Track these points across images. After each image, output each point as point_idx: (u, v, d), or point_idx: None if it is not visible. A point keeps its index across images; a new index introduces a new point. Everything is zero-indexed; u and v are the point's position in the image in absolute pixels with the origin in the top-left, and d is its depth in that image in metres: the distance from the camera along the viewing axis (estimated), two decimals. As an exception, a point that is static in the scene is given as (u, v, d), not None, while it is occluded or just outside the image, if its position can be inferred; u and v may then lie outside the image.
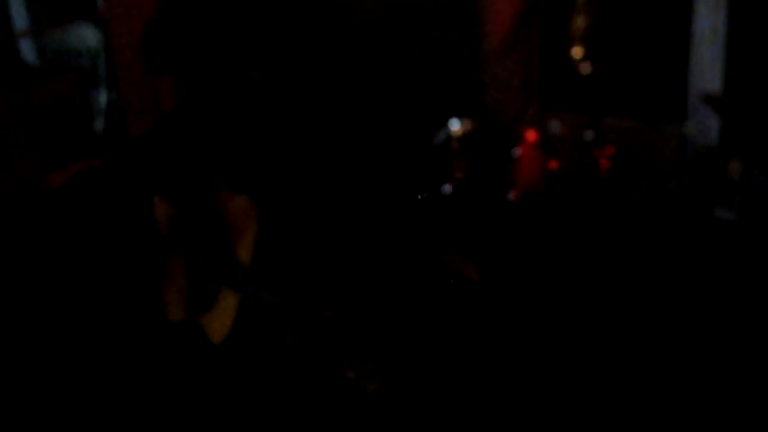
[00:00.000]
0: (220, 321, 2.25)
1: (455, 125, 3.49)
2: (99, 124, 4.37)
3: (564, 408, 2.44)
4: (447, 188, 3.39)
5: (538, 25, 4.05)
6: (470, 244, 3.12)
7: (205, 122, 2.43)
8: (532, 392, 2.49)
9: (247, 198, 2.23)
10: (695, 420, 2.38)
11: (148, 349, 2.43)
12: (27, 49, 5.08)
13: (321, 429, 2.23)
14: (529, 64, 4.04)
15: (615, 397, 2.47)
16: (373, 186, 2.57)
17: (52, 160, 3.85)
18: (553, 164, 3.49)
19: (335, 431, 2.23)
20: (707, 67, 3.56)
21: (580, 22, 3.86)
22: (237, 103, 2.39)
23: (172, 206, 2.36)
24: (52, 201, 3.19)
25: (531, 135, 3.48)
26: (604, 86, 3.84)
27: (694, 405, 2.42)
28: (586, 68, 3.84)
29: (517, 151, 3.48)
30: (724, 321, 2.78)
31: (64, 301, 2.68)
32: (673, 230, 3.30)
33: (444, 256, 2.79)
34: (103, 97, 4.41)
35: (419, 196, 3.18)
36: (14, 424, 2.45)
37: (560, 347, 2.68)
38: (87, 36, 4.58)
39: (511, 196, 3.42)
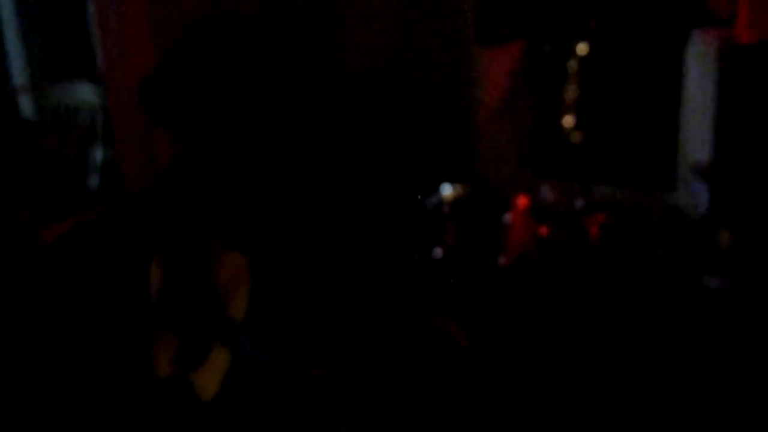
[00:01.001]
0: (210, 378, 2.25)
1: (447, 190, 3.52)
2: (94, 180, 4.40)
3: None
4: (437, 252, 3.42)
5: (530, 93, 4.11)
6: (460, 307, 3.13)
7: (200, 178, 2.45)
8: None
9: (241, 256, 2.25)
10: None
11: (136, 405, 2.42)
12: (25, 105, 5.14)
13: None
14: (521, 131, 4.10)
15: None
16: (364, 247, 2.59)
17: (47, 214, 3.87)
18: (544, 231, 3.52)
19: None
20: (697, 137, 3.61)
21: (571, 91, 3.93)
22: (230, 160, 2.41)
23: (165, 269, 2.37)
24: (44, 256, 3.19)
25: (522, 201, 3.51)
26: (594, 155, 3.89)
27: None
28: (576, 137, 3.90)
29: (508, 217, 3.51)
30: (711, 387, 2.79)
31: (52, 355, 2.67)
32: (661, 298, 3.32)
33: (433, 318, 2.80)
34: (99, 154, 4.46)
35: (410, 259, 3.20)
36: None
37: (543, 411, 2.68)
38: (85, 93, 4.64)
39: (502, 261, 3.44)
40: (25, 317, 2.81)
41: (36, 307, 2.77)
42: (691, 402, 2.72)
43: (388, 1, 4.21)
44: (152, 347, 2.39)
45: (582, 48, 3.89)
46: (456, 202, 3.51)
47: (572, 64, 3.94)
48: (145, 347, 2.40)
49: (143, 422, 2.37)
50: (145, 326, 2.41)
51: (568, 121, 3.92)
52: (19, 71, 5.18)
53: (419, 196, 3.48)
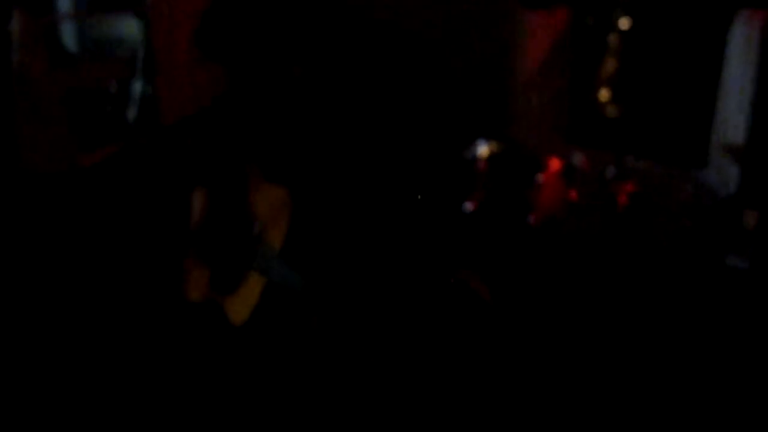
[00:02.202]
0: (243, 303, 2.30)
1: (482, 146, 3.55)
2: (132, 113, 4.44)
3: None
4: (468, 206, 3.44)
5: (569, 61, 4.12)
6: (486, 262, 3.17)
7: (246, 114, 2.50)
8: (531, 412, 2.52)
9: (282, 187, 2.30)
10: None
11: (168, 327, 2.48)
12: (69, 34, 5.17)
13: (341, 413, 2.27)
14: (558, 97, 4.11)
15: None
16: (400, 189, 2.63)
17: (85, 143, 3.92)
18: (574, 194, 3.54)
19: (356, 417, 2.27)
20: (732, 118, 3.61)
21: (610, 64, 3.94)
22: (277, 97, 2.46)
23: (207, 197, 2.43)
24: (85, 178, 3.26)
25: (554, 163, 3.53)
26: (629, 127, 3.91)
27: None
28: (612, 110, 3.91)
29: (540, 178, 3.53)
30: (730, 367, 2.80)
31: (92, 273, 2.74)
32: (684, 273, 3.34)
33: (459, 271, 2.84)
34: (138, 87, 4.49)
35: (442, 208, 3.24)
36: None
37: (560, 376, 2.71)
38: (128, 25, 4.66)
39: (531, 220, 3.47)
40: (68, 237, 2.88)
41: (78, 228, 2.84)
42: (709, 379, 2.74)
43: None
44: (187, 273, 2.45)
45: (624, 22, 3.90)
46: (490, 158, 3.53)
47: (613, 38, 3.94)
48: (179, 271, 2.47)
49: (174, 344, 2.44)
50: (182, 251, 2.47)
51: (604, 94, 3.93)
52: (64, 1, 5.20)
53: (455, 148, 3.51)
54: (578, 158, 3.66)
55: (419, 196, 2.72)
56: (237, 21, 2.37)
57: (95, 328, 2.61)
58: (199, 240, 2.45)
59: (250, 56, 2.38)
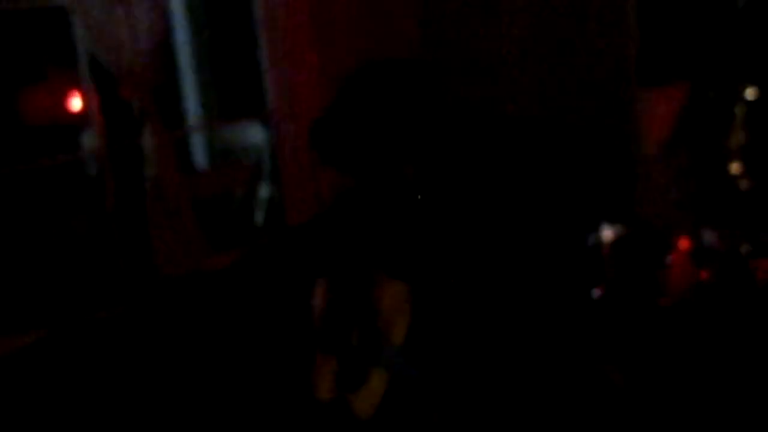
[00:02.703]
0: (369, 399, 2.32)
1: (607, 230, 3.49)
2: (260, 216, 4.59)
3: None
4: (597, 292, 3.38)
5: (693, 136, 4.05)
6: (619, 348, 3.09)
7: (364, 211, 2.55)
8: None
9: (404, 285, 2.33)
10: None
11: (298, 425, 2.51)
12: (198, 143, 5.43)
13: None
14: (684, 174, 4.03)
15: None
16: (522, 281, 2.62)
17: (216, 246, 4.06)
18: (706, 274, 3.43)
19: None
20: None
21: (738, 137, 3.85)
22: (393, 194, 2.51)
23: (330, 293, 2.47)
24: (216, 280, 3.36)
25: (684, 243, 3.44)
26: (762, 200, 3.79)
27: None
28: (744, 183, 3.81)
29: (669, 259, 3.44)
30: None
31: (222, 374, 2.80)
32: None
33: (592, 359, 2.79)
34: (265, 191, 4.65)
35: (569, 297, 3.19)
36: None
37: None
38: (254, 132, 4.86)
39: (662, 302, 3.38)
40: (201, 335, 2.97)
41: (210, 327, 2.93)
42: None
43: (548, 41, 4.23)
44: (315, 369, 2.48)
45: (751, 92, 3.82)
46: (616, 241, 3.47)
47: (739, 109, 3.86)
48: (308, 370, 2.50)
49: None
50: (309, 349, 2.51)
51: (735, 166, 3.84)
52: (192, 111, 5.47)
53: (580, 234, 3.47)
54: (709, 236, 3.56)
55: (544, 284, 2.70)
56: (349, 124, 2.44)
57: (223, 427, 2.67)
58: (325, 336, 2.48)
59: (362, 159, 2.44)
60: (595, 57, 4.10)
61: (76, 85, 4.36)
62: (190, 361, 2.96)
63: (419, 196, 2.47)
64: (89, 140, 4.40)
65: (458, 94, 3.99)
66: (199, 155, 5.47)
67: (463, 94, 4.28)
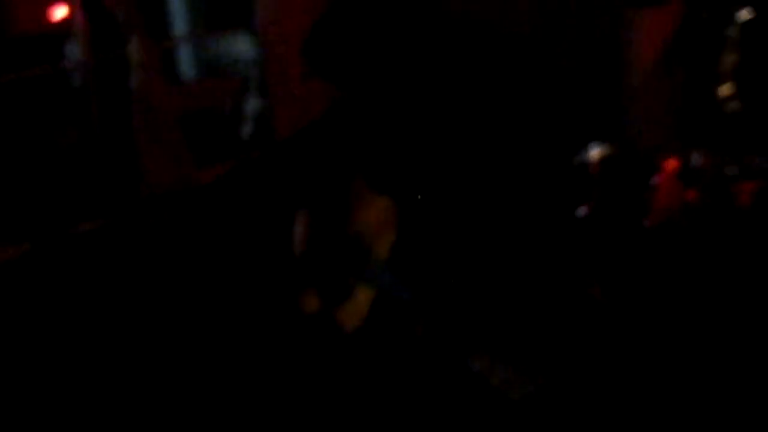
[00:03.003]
0: (354, 313, 2.34)
1: (595, 149, 3.48)
2: (248, 129, 4.55)
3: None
4: (583, 210, 3.39)
5: (685, 59, 4.02)
6: (601, 266, 3.12)
7: (352, 125, 2.53)
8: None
9: (389, 199, 2.33)
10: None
11: (282, 337, 2.53)
12: (184, 54, 5.35)
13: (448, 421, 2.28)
14: (674, 96, 4.02)
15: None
16: (510, 198, 2.62)
17: (203, 160, 4.04)
18: (692, 195, 3.44)
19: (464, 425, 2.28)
20: None
21: (729, 59, 3.83)
22: (383, 107, 2.49)
23: (314, 212, 2.48)
24: (203, 196, 3.35)
25: (671, 164, 3.44)
26: (751, 123, 3.78)
27: None
28: (733, 106, 3.80)
29: (656, 180, 3.45)
30: None
31: (208, 286, 2.81)
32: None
33: (575, 275, 2.81)
34: (253, 104, 4.59)
35: (555, 214, 3.20)
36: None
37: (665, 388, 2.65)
38: (242, 44, 4.78)
39: (648, 223, 3.39)
40: (189, 251, 2.97)
41: (198, 243, 2.93)
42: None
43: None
44: (300, 284, 2.50)
45: (744, 14, 3.78)
46: (604, 161, 3.47)
47: (732, 30, 3.82)
48: (294, 284, 2.51)
49: (290, 354, 2.49)
50: (296, 264, 2.52)
51: (725, 88, 3.82)
52: (179, 22, 5.38)
53: (568, 152, 3.46)
54: (697, 158, 3.56)
55: (531, 202, 2.71)
56: (343, 33, 2.42)
57: (208, 341, 2.69)
58: (311, 250, 2.49)
59: (356, 69, 2.42)
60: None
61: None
62: (175, 277, 2.97)
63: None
64: (74, 51, 4.33)
65: (453, 11, 3.93)
66: (186, 67, 5.39)
67: (458, 11, 4.23)
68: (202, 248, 2.97)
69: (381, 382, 2.34)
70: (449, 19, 2.67)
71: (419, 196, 2.38)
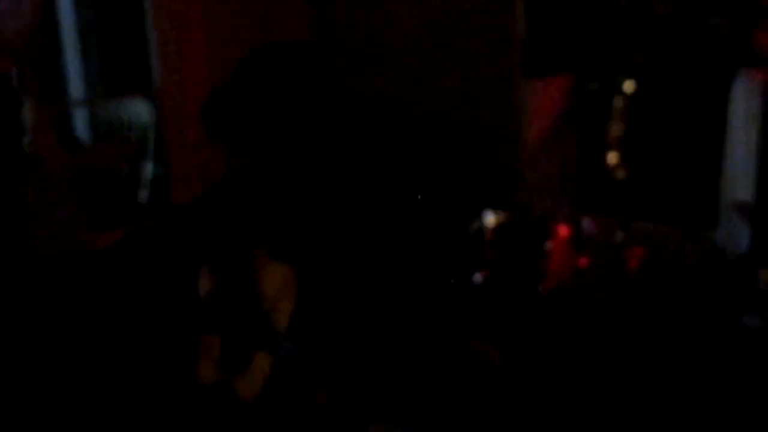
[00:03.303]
0: (252, 382, 2.32)
1: (489, 216, 3.56)
2: (144, 194, 4.50)
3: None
4: (478, 277, 3.45)
5: (575, 127, 4.15)
6: (498, 332, 3.17)
7: (251, 192, 2.54)
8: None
9: (288, 267, 2.34)
10: None
11: (180, 408, 2.49)
12: (80, 118, 5.27)
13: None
14: (565, 164, 4.13)
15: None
16: (407, 264, 2.65)
17: (98, 225, 3.96)
18: (584, 261, 3.54)
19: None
20: (740, 176, 3.61)
21: (616, 128, 3.96)
22: (280, 174, 2.51)
23: (215, 277, 2.46)
24: (96, 261, 3.29)
25: (563, 231, 3.54)
26: (637, 190, 3.91)
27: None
28: (620, 173, 3.93)
29: (549, 246, 3.54)
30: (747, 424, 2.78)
31: (102, 356, 2.75)
32: (699, 334, 3.32)
33: (471, 341, 2.84)
34: (150, 169, 4.55)
35: (450, 281, 3.25)
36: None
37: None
38: (139, 109, 4.75)
39: (541, 288, 3.47)
40: (77, 319, 2.90)
41: (87, 310, 2.86)
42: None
43: (436, 30, 4.28)
44: (198, 353, 2.47)
45: (628, 85, 3.93)
46: (498, 228, 3.54)
47: (618, 101, 3.97)
48: (192, 353, 2.48)
49: (188, 424, 2.44)
50: (192, 332, 2.49)
51: (612, 157, 3.95)
52: (75, 86, 5.31)
53: (461, 221, 3.53)
54: (587, 224, 3.67)
55: (428, 268, 2.74)
56: (243, 101, 2.43)
57: (110, 408, 2.63)
58: (209, 319, 2.46)
59: (254, 137, 2.44)
60: (484, 47, 4.17)
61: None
62: (69, 344, 2.89)
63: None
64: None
65: (352, 79, 3.99)
66: (82, 131, 5.31)
67: (356, 79, 4.29)
68: (96, 312, 2.91)
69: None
70: (345, 91, 2.71)
71: (318, 264, 2.39)
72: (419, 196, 3.44)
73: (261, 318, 2.34)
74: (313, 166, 2.51)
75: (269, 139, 2.46)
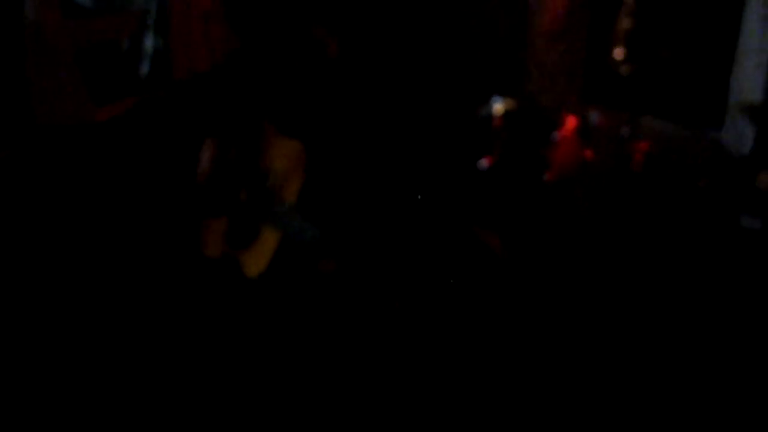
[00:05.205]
0: (259, 256, 2.32)
1: (498, 103, 3.52)
2: (144, 67, 4.42)
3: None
4: (483, 163, 3.43)
5: (586, 20, 4.09)
6: (501, 218, 3.17)
7: (261, 71, 2.50)
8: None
9: (299, 143, 2.32)
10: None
11: (185, 281, 2.49)
12: (81, -12, 5.14)
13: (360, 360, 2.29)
14: (575, 56, 4.08)
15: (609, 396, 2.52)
16: (415, 144, 2.64)
17: (99, 98, 3.90)
18: (589, 152, 3.53)
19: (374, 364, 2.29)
20: (749, 78, 3.58)
21: (625, 23, 3.90)
22: (296, 55, 2.47)
23: (218, 151, 2.44)
24: (98, 134, 3.26)
25: (571, 122, 3.51)
26: (645, 86, 3.88)
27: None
28: (627, 69, 3.88)
29: (556, 135, 3.52)
30: (738, 325, 2.81)
31: (108, 228, 2.74)
32: (698, 233, 3.34)
33: (474, 227, 2.85)
34: (151, 41, 4.46)
35: (457, 165, 3.23)
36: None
37: (561, 338, 2.71)
38: (143, -21, 4.63)
39: (546, 177, 3.47)
40: (83, 191, 2.88)
41: (93, 182, 2.84)
42: (720, 339, 2.75)
43: None
44: (203, 228, 2.46)
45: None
46: (506, 115, 3.51)
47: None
48: (196, 226, 2.48)
49: (192, 299, 2.45)
50: (196, 205, 2.48)
51: (619, 52, 3.90)
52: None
53: (471, 105, 3.49)
54: (594, 117, 3.64)
55: (435, 150, 2.73)
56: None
57: (111, 282, 2.63)
58: (213, 193, 2.45)
59: (270, 18, 2.39)
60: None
61: None
62: (70, 216, 2.88)
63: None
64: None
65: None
66: (84, 1, 5.19)
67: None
68: (100, 182, 2.89)
69: (284, 326, 2.34)
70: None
71: (329, 141, 2.37)
72: (428, 76, 3.39)
73: (269, 192, 2.33)
74: (324, 44, 2.47)
75: (283, 20, 2.42)
